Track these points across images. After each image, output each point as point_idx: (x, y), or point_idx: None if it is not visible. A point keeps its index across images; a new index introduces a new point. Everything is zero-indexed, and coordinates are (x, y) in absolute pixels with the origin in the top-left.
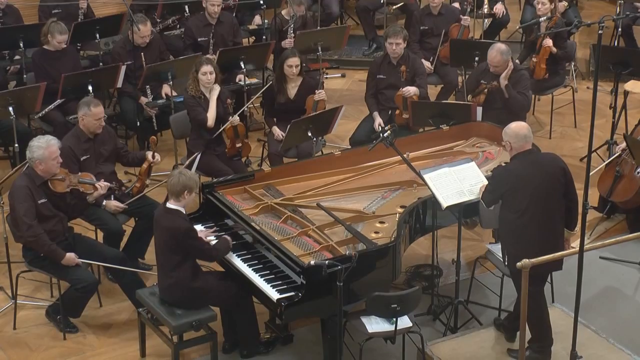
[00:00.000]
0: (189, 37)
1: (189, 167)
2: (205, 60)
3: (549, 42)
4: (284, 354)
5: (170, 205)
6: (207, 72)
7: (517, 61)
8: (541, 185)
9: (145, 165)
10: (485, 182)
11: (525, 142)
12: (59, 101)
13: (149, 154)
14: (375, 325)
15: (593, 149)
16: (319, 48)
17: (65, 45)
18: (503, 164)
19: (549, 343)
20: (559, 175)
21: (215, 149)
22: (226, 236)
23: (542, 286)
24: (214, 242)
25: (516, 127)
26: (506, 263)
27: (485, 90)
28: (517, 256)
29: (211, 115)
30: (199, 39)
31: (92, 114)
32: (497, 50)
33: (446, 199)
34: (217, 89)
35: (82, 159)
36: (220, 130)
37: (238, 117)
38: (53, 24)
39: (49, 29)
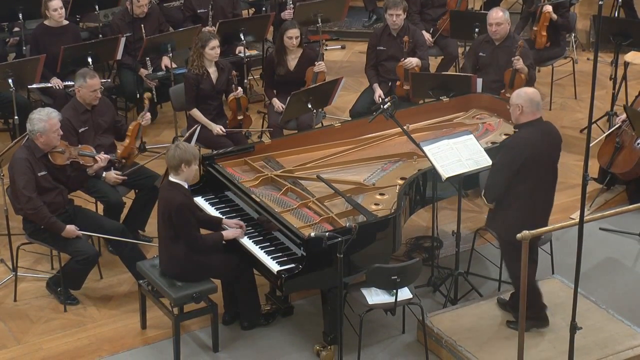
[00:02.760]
0: (188, 8)
1: (189, 139)
2: (212, 35)
3: (548, 8)
4: (284, 326)
5: (172, 178)
6: (215, 47)
7: (515, 34)
8: (551, 155)
9: (133, 124)
10: (485, 154)
11: (537, 110)
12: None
13: (140, 114)
14: (375, 296)
15: (593, 121)
16: (319, 19)
17: (61, 12)
18: (504, 136)
19: (542, 307)
20: (560, 145)
21: (216, 121)
22: (223, 232)
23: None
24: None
25: (530, 92)
26: (503, 232)
27: (522, 75)
28: (519, 225)
29: (200, 118)
30: (198, 11)
31: (87, 86)
32: (499, 8)
33: (446, 171)
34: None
35: (80, 131)
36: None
37: (242, 89)
38: None
39: (44, 4)
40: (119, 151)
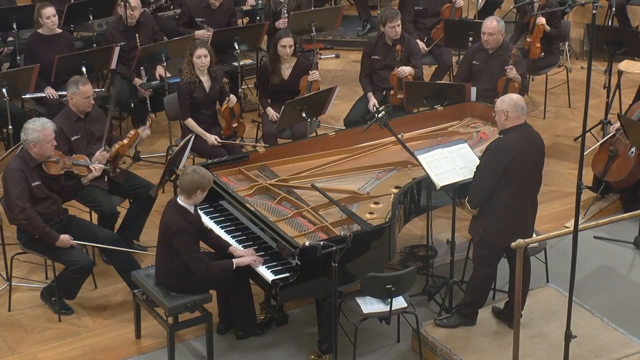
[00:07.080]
0: (185, 15)
1: (183, 148)
2: (199, 44)
3: (542, 20)
4: (279, 335)
5: (180, 201)
6: (201, 56)
7: (509, 43)
8: (536, 159)
9: (132, 132)
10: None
11: (521, 114)
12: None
13: (141, 127)
14: (370, 305)
15: (587, 129)
16: (313, 28)
17: (54, 19)
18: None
19: (479, 309)
20: (544, 149)
21: (211, 130)
22: (234, 260)
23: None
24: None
25: (515, 97)
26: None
27: (515, 84)
28: (504, 230)
29: (195, 128)
30: (196, 19)
31: (80, 93)
32: (494, 18)
33: (440, 179)
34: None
35: (72, 139)
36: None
37: (235, 98)
38: (38, 4)
39: (37, 12)
40: (113, 148)
